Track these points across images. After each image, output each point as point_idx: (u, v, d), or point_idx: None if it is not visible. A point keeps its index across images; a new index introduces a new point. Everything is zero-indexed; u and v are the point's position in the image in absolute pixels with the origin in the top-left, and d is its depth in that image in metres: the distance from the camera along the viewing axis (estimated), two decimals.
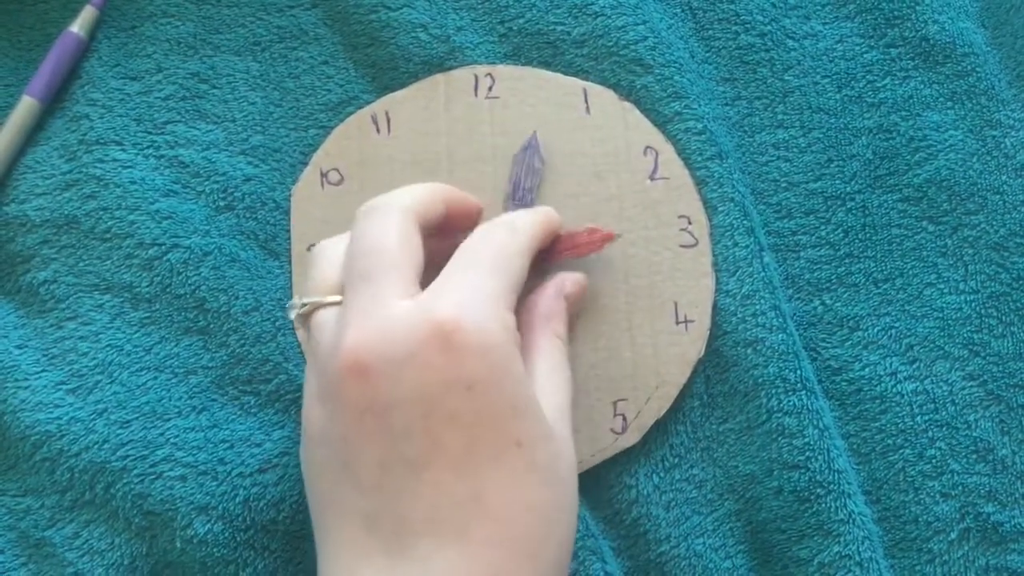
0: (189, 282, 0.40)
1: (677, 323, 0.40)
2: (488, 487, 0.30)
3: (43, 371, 0.40)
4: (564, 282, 0.38)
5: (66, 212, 0.41)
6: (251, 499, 0.38)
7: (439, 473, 0.30)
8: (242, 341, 0.40)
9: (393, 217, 0.33)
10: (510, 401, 0.30)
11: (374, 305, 0.31)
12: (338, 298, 0.32)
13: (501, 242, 0.33)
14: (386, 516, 0.30)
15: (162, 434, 0.39)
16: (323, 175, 0.42)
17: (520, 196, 0.41)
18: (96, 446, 0.38)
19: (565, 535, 0.31)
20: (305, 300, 0.33)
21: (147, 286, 0.41)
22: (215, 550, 0.37)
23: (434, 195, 0.35)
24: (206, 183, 0.42)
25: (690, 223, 0.41)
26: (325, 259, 0.34)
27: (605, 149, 0.42)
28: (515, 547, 0.30)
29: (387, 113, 0.42)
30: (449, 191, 0.37)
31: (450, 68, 0.43)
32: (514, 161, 0.41)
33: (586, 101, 0.42)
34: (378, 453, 0.30)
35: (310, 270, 0.34)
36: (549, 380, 0.34)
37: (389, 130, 0.42)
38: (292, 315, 0.34)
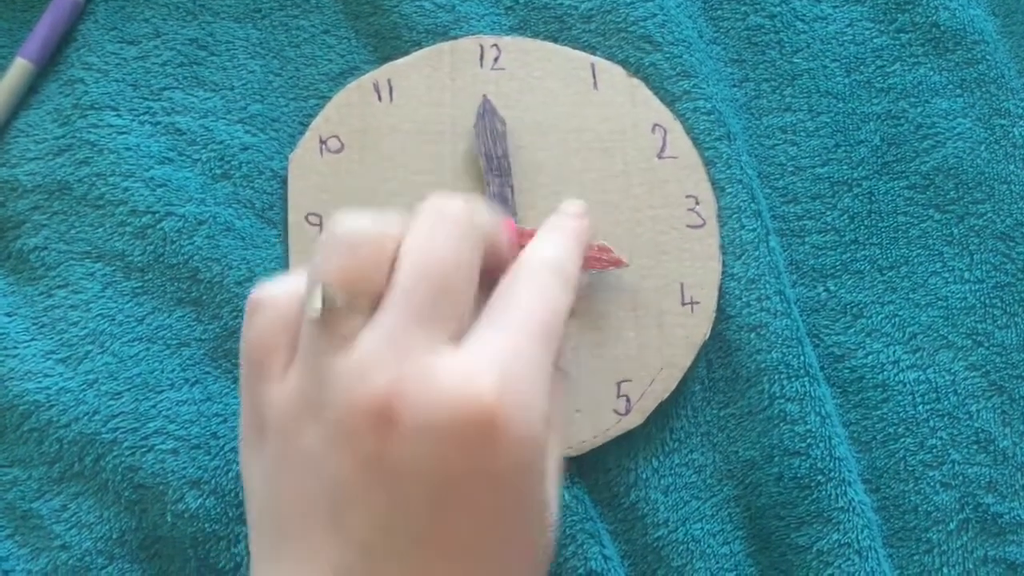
0: (182, 251, 0.40)
1: (683, 304, 0.40)
2: None
3: (32, 340, 0.39)
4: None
5: (58, 177, 0.40)
6: None
7: (434, 553, 0.27)
8: (235, 313, 0.40)
9: (471, 242, 0.29)
10: (529, 500, 0.28)
11: (424, 349, 0.27)
12: (366, 309, 0.28)
13: (555, 302, 0.30)
14: (363, 574, 0.27)
15: (154, 406, 0.38)
16: (322, 142, 0.41)
17: (496, 165, 0.40)
18: (86, 417, 0.38)
19: None
20: (327, 303, 0.28)
21: (140, 255, 0.40)
22: (206, 525, 0.37)
23: (501, 233, 0.32)
24: (202, 151, 0.41)
25: (698, 203, 0.41)
26: (370, 248, 0.28)
27: (612, 126, 0.41)
28: None
29: (389, 81, 0.41)
30: (511, 234, 0.33)
31: (455, 37, 0.42)
32: (475, 133, 0.41)
33: (594, 76, 0.42)
34: (376, 511, 0.27)
35: (342, 256, 0.28)
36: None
37: (391, 98, 0.41)
38: (310, 314, 0.28)
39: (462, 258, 0.28)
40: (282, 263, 0.40)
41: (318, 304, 0.28)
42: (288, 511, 0.28)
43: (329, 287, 0.28)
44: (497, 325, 0.28)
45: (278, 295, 0.30)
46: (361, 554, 0.27)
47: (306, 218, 0.40)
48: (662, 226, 0.40)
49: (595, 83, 0.42)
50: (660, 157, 0.41)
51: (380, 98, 0.41)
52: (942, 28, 0.44)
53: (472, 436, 0.26)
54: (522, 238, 0.39)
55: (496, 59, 0.42)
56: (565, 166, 0.41)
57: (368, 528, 0.27)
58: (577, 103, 0.41)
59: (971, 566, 0.39)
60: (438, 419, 0.26)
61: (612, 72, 0.42)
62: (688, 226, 0.41)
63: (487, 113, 0.41)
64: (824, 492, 0.38)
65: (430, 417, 0.26)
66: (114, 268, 0.40)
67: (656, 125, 0.41)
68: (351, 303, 0.28)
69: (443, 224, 0.29)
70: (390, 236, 0.29)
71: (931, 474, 0.40)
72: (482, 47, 0.42)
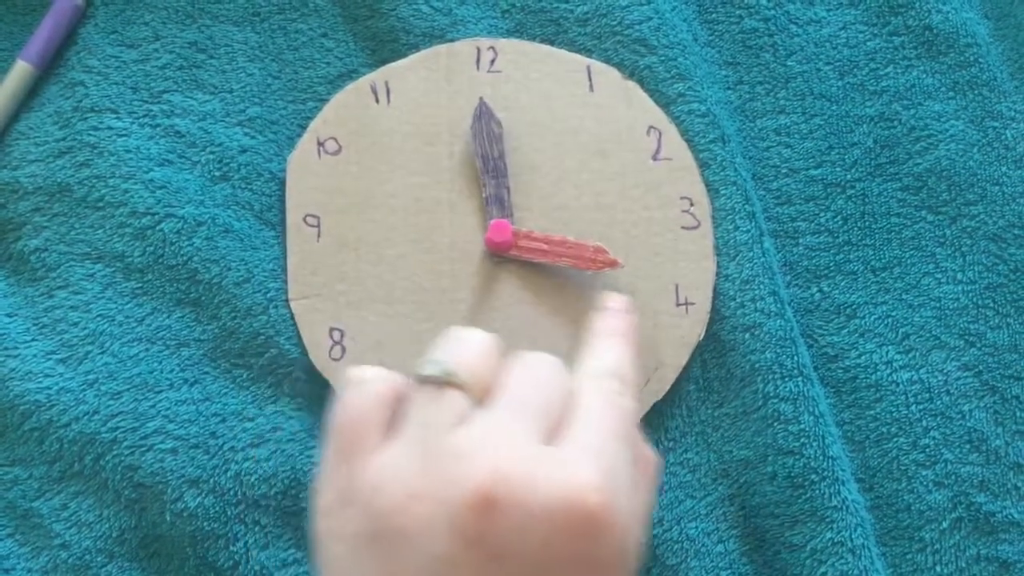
0: (182, 252, 0.40)
1: (677, 305, 0.40)
2: None
3: (33, 340, 0.39)
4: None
5: (59, 179, 0.41)
6: (243, 473, 0.38)
7: None
8: (233, 314, 0.40)
9: (564, 374, 0.32)
10: None
11: (523, 441, 0.29)
12: (475, 399, 0.31)
13: (624, 407, 0.32)
14: None
15: (153, 406, 0.38)
16: (320, 144, 0.41)
17: (492, 167, 0.40)
18: (86, 417, 0.38)
19: None
20: (453, 374, 0.30)
21: (139, 256, 0.40)
22: (205, 524, 0.37)
23: None
24: (202, 153, 0.41)
25: (692, 205, 0.41)
26: (484, 352, 0.32)
27: (608, 128, 0.41)
28: None
29: (387, 83, 0.42)
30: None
31: (452, 40, 0.42)
32: (472, 135, 0.41)
33: (590, 79, 0.42)
34: None
35: (464, 347, 0.32)
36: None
37: (389, 100, 0.41)
38: (425, 371, 0.31)
39: (556, 379, 0.32)
40: (280, 264, 0.40)
41: (442, 369, 0.30)
42: None
43: (453, 364, 0.30)
44: (582, 430, 0.30)
45: (377, 377, 0.32)
46: None
47: (304, 219, 0.40)
48: (657, 228, 0.41)
49: (591, 85, 0.42)
50: (655, 159, 0.41)
51: (377, 100, 0.42)
52: (935, 31, 0.44)
53: (576, 525, 0.28)
54: (518, 239, 0.39)
55: (492, 61, 0.42)
56: (561, 168, 0.41)
57: None
58: (573, 105, 0.42)
59: (963, 564, 0.40)
60: (544, 506, 0.28)
61: (608, 75, 0.42)
62: (683, 228, 0.41)
63: (483, 115, 0.41)
64: (818, 491, 0.38)
65: (535, 504, 0.28)
66: (114, 269, 0.40)
67: (651, 127, 0.41)
68: (467, 384, 0.30)
69: (542, 357, 0.32)
70: (493, 351, 0.32)
71: (924, 473, 0.40)
72: (479, 49, 0.42)
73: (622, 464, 0.30)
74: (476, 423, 0.30)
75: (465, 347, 0.32)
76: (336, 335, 0.40)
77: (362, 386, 0.32)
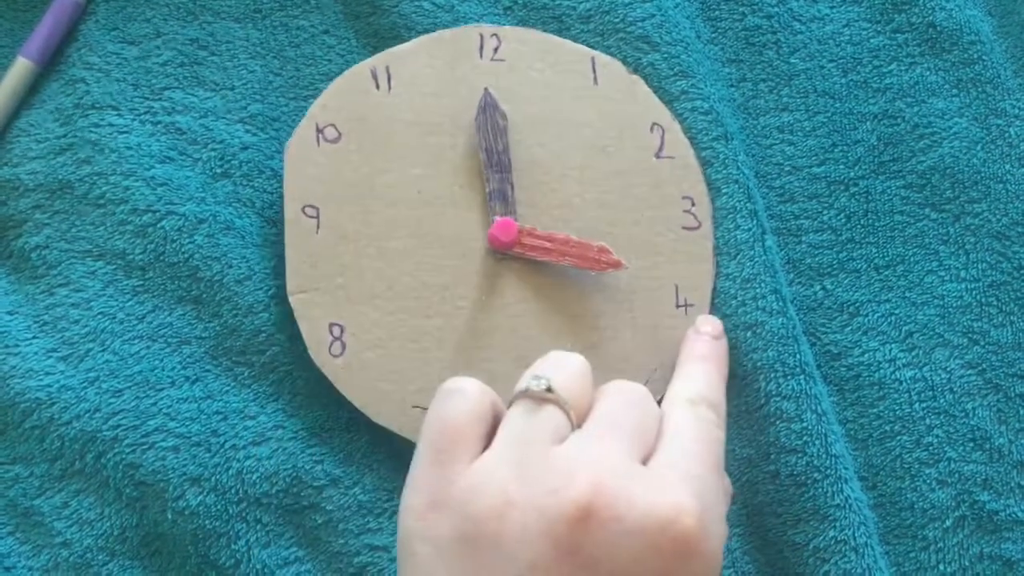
0: (183, 250, 0.40)
1: (677, 306, 0.40)
2: None
3: (34, 338, 0.39)
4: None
5: (60, 177, 0.41)
6: (244, 471, 0.38)
7: None
8: (234, 311, 0.40)
9: (652, 401, 0.33)
10: None
11: (621, 459, 0.30)
12: (574, 419, 0.32)
13: (716, 434, 0.34)
14: None
15: (155, 404, 0.38)
16: (319, 131, 0.40)
17: (496, 160, 0.40)
18: (87, 415, 0.38)
19: None
20: (555, 391, 0.31)
21: (140, 253, 0.40)
22: (207, 522, 0.37)
23: None
24: (203, 150, 0.41)
25: (693, 204, 0.41)
26: (581, 375, 0.33)
27: (612, 122, 0.41)
28: None
29: (388, 68, 0.41)
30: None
31: None
32: (476, 127, 0.40)
33: (594, 71, 0.42)
34: None
35: (564, 369, 0.33)
36: None
37: (389, 87, 0.41)
38: (529, 385, 0.32)
39: (647, 405, 0.33)
40: (281, 261, 0.40)
41: (546, 385, 0.31)
42: None
43: (555, 381, 0.32)
44: (676, 455, 0.31)
45: (475, 389, 0.32)
46: None
47: (303, 210, 0.40)
48: (659, 227, 0.41)
49: (595, 78, 0.41)
50: (658, 157, 0.41)
51: (378, 86, 0.41)
52: (939, 28, 0.44)
53: (669, 545, 0.29)
54: (522, 236, 0.39)
55: (496, 49, 0.41)
56: (564, 163, 0.41)
57: None
58: (577, 97, 0.41)
59: (967, 563, 0.39)
60: (640, 523, 0.29)
61: (612, 67, 0.42)
62: (684, 228, 0.41)
63: (488, 107, 0.40)
64: (820, 489, 0.38)
65: (632, 520, 0.29)
66: (115, 266, 0.40)
67: (655, 124, 0.41)
68: (567, 402, 0.31)
69: (631, 383, 0.33)
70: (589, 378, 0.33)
71: (927, 471, 0.40)
72: (482, 36, 0.41)
73: (713, 492, 0.31)
74: (575, 439, 0.31)
75: (564, 369, 0.33)
76: (336, 331, 0.39)
77: (462, 395, 0.32)
